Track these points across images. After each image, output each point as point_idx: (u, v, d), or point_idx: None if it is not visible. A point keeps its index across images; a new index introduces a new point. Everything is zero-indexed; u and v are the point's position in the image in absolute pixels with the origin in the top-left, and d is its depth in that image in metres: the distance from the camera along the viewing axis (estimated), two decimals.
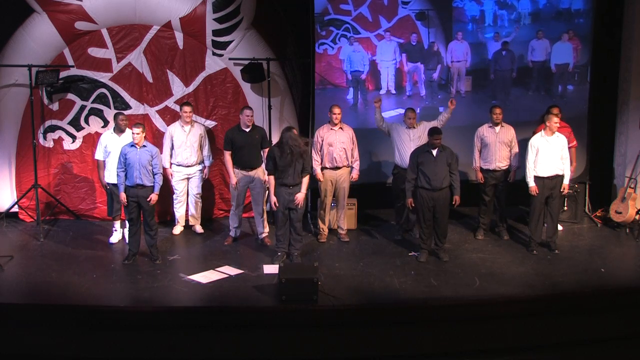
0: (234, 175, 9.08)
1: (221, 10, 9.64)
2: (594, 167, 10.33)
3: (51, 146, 9.85)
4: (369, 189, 10.02)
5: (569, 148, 9.30)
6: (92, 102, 9.85)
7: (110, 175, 9.02)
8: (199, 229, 9.64)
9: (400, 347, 7.37)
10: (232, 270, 8.37)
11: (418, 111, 10.19)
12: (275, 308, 7.47)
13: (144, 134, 8.52)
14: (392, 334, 7.38)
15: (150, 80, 9.84)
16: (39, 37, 9.51)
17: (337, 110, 9.18)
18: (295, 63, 10.17)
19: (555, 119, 8.82)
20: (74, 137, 9.87)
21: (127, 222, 8.80)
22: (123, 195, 8.45)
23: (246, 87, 9.95)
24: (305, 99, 10.20)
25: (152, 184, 8.50)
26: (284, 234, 8.58)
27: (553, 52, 10.16)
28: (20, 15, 9.50)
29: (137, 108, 9.87)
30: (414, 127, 9.23)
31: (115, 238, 9.25)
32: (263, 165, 9.14)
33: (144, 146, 8.45)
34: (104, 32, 9.66)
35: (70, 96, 9.82)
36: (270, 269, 8.30)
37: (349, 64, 10.06)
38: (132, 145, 8.44)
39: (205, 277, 8.19)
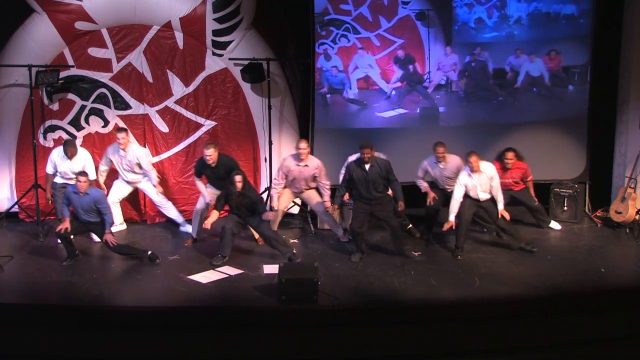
0: (207, 194, 9.13)
1: (221, 10, 9.64)
2: (594, 167, 10.32)
3: (51, 146, 9.83)
4: None
5: (527, 182, 9.44)
6: (92, 102, 9.85)
7: (55, 177, 9.31)
8: (187, 228, 9.65)
9: (400, 347, 7.37)
10: (232, 270, 8.37)
11: (417, 111, 10.21)
12: (275, 308, 7.47)
13: (88, 182, 8.48)
14: (392, 334, 7.38)
15: (150, 80, 9.84)
16: (39, 37, 9.51)
17: (303, 145, 9.10)
18: (295, 63, 10.17)
19: (474, 160, 8.62)
20: (74, 137, 9.86)
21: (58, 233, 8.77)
22: (67, 223, 8.45)
23: (246, 87, 9.95)
24: (305, 99, 10.20)
25: (100, 221, 8.49)
26: (228, 242, 8.64)
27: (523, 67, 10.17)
28: (20, 15, 9.50)
29: (137, 108, 9.88)
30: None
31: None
32: None
33: (87, 194, 8.39)
34: (104, 32, 9.66)
35: (70, 96, 9.83)
36: (270, 269, 8.30)
37: (326, 82, 10.05)
38: (75, 192, 8.41)
39: (205, 277, 8.19)
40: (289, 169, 9.19)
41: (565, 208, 9.96)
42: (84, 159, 9.28)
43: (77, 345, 7.26)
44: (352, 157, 9.16)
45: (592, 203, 10.21)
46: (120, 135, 9.30)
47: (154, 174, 9.51)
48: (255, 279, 8.15)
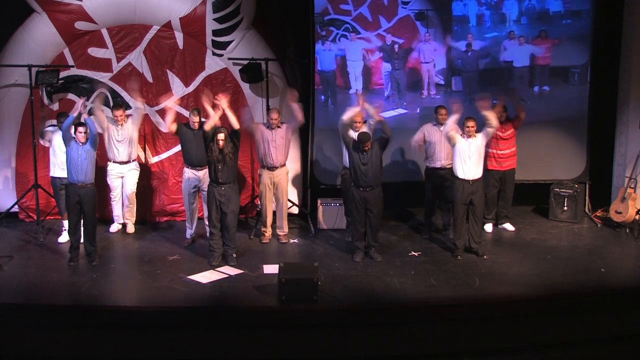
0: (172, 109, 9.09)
1: (221, 10, 9.65)
2: (594, 167, 10.33)
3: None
4: None
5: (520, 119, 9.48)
6: (92, 102, 9.85)
7: (56, 170, 9.14)
8: (130, 228, 9.64)
9: (400, 347, 7.37)
10: (232, 270, 8.38)
11: (418, 111, 10.24)
12: (275, 308, 7.48)
13: (87, 134, 8.47)
14: (392, 334, 7.38)
15: (150, 80, 9.84)
16: (39, 37, 9.51)
17: (275, 115, 9.09)
18: (295, 63, 10.18)
19: (470, 123, 8.63)
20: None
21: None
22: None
23: (246, 87, 9.96)
24: (305, 98, 10.19)
25: (93, 182, 8.49)
26: (217, 234, 8.57)
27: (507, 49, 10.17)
28: (20, 15, 9.50)
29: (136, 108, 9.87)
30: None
31: (64, 238, 9.22)
32: None
33: (85, 144, 8.42)
34: (104, 32, 9.66)
35: (70, 96, 9.83)
36: (270, 269, 8.30)
37: (319, 64, 10.04)
38: (75, 142, 8.43)
39: (205, 277, 8.19)
40: (260, 129, 9.15)
41: (565, 208, 9.96)
42: None
43: (77, 345, 7.25)
44: (345, 115, 9.00)
45: (592, 203, 10.22)
46: (118, 112, 9.23)
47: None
48: (255, 279, 8.15)
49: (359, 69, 10.12)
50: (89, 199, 8.46)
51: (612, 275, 8.27)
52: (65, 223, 9.22)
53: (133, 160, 9.50)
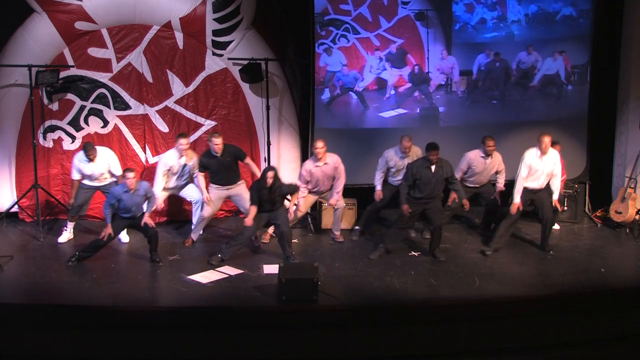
0: (207, 191, 9.08)
1: (221, 10, 9.65)
2: (594, 167, 10.34)
3: (51, 146, 9.84)
4: (368, 189, 10.01)
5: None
6: (92, 102, 9.85)
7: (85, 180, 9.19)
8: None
9: (400, 347, 7.38)
10: (232, 270, 8.38)
11: (418, 111, 10.21)
12: (275, 308, 7.48)
13: (137, 178, 8.47)
14: (393, 334, 7.38)
15: (150, 80, 9.84)
16: (39, 37, 9.51)
17: (320, 144, 9.03)
18: (295, 63, 10.18)
19: (547, 140, 8.67)
20: (73, 138, 9.86)
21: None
22: (109, 228, 8.40)
23: (246, 87, 9.96)
24: (305, 98, 10.20)
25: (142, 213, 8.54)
26: (236, 246, 8.61)
27: (543, 65, 10.17)
28: (20, 15, 9.50)
29: (136, 108, 9.87)
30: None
31: (64, 238, 9.25)
32: (242, 183, 9.25)
33: (137, 189, 8.40)
34: (104, 32, 9.66)
35: (70, 96, 9.82)
36: (270, 269, 8.30)
37: (339, 80, 10.02)
38: (125, 191, 8.37)
39: (205, 277, 8.20)
40: (310, 172, 9.11)
41: (565, 208, 9.96)
42: (106, 157, 9.13)
43: (77, 345, 7.26)
44: (390, 152, 9.20)
45: (592, 203, 10.22)
46: (184, 141, 9.07)
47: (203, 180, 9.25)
48: (255, 279, 8.15)
49: (374, 77, 10.11)
50: (139, 221, 8.50)
51: (612, 275, 8.28)
52: (69, 224, 9.23)
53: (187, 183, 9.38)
